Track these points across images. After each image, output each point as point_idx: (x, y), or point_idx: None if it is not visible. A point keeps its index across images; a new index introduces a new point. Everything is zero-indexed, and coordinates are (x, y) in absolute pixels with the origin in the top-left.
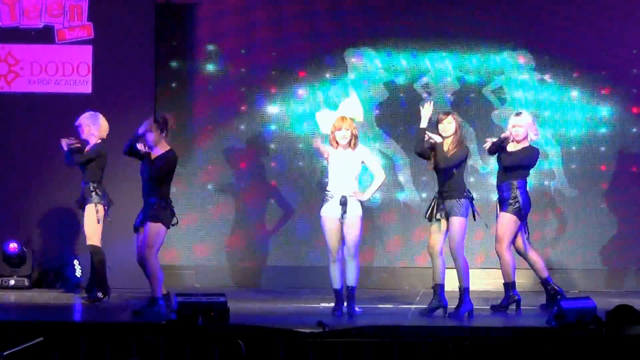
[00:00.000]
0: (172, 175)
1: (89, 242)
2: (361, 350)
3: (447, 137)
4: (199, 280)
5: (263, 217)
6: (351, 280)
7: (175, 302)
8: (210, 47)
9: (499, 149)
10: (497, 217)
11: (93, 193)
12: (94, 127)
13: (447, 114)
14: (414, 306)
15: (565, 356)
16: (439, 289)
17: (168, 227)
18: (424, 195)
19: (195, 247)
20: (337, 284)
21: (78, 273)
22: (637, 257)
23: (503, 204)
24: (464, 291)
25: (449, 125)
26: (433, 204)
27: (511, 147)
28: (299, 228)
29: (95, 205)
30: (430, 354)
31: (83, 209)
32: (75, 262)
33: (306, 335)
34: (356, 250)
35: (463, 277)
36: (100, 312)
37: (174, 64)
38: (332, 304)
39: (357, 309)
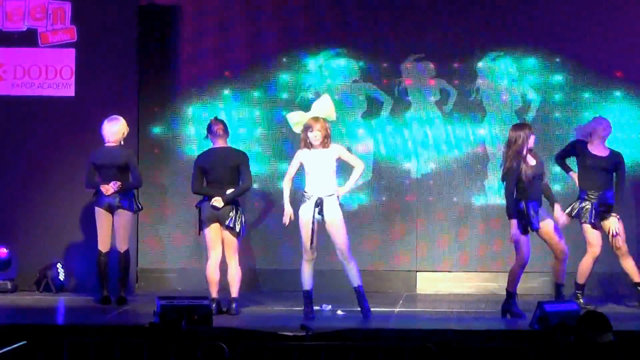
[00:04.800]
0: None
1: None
2: (344, 353)
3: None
4: (181, 283)
5: (247, 220)
6: (354, 280)
7: (158, 305)
8: (194, 48)
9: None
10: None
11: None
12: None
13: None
14: (397, 309)
15: (548, 359)
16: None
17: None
18: (405, 198)
19: (178, 249)
20: (307, 286)
21: (61, 276)
22: None
23: (612, 209)
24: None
25: (533, 137)
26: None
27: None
28: (282, 230)
29: None
30: (413, 357)
31: (112, 212)
32: (59, 265)
33: (289, 338)
34: (349, 252)
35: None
36: (83, 314)
37: (157, 66)
38: (317, 307)
39: (339, 312)
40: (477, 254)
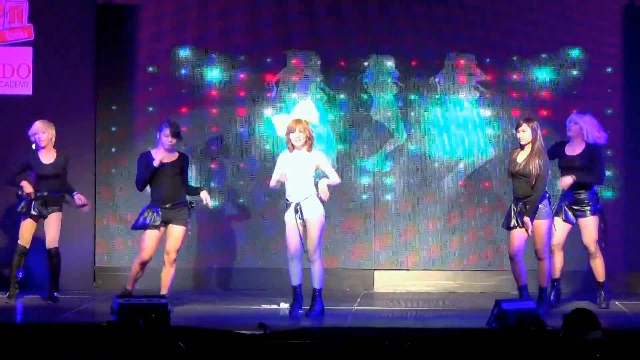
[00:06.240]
0: None
1: (53, 246)
2: (302, 352)
3: (524, 145)
4: (139, 282)
5: (203, 219)
6: (316, 282)
7: (116, 304)
8: (151, 48)
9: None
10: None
11: (62, 200)
12: (54, 135)
13: (526, 120)
14: (355, 308)
15: (506, 357)
16: (522, 290)
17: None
18: (363, 196)
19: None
20: (295, 281)
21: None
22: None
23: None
24: (549, 286)
25: (523, 134)
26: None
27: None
28: (241, 230)
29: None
30: (371, 355)
31: (44, 216)
32: None
33: (246, 337)
34: (317, 252)
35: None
36: (41, 313)
37: (115, 65)
38: (275, 306)
39: (299, 311)
40: (435, 252)
